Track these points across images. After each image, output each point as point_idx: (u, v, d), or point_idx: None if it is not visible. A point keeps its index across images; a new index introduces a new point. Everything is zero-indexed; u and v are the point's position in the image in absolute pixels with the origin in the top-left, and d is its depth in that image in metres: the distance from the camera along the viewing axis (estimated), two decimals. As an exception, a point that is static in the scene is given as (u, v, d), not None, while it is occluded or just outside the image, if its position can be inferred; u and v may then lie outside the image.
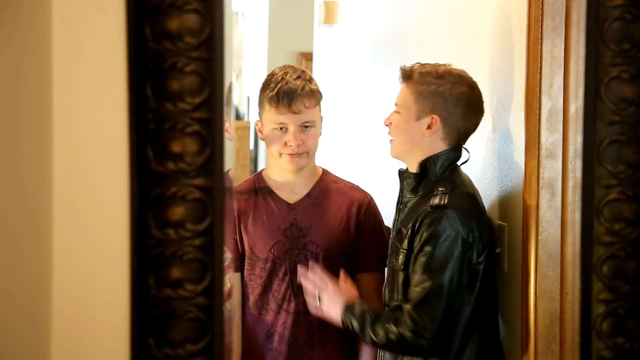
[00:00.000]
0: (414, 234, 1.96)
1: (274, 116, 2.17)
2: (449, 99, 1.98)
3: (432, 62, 2.07)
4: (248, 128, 6.77)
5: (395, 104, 2.07)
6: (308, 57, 6.05)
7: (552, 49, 1.86)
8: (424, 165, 2.01)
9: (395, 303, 1.99)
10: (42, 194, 1.15)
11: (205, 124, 1.16)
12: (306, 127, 2.18)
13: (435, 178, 2.00)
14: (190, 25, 1.15)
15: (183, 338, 1.17)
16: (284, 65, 2.24)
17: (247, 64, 7.63)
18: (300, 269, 2.17)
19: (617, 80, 1.30)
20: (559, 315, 1.88)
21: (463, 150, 2.05)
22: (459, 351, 1.96)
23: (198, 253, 1.17)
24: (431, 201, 1.96)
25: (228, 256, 1.24)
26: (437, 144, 2.02)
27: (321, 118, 2.24)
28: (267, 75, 2.22)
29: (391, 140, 2.08)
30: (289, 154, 2.17)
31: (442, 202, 1.94)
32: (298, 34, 6.34)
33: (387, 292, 2.07)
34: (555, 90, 1.86)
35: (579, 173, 1.80)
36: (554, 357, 1.88)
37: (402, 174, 2.08)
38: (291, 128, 2.16)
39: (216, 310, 1.18)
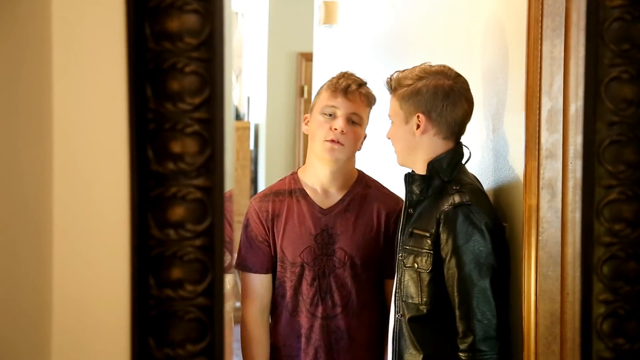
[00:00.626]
0: (438, 235, 1.98)
1: (327, 100, 2.23)
2: (427, 94, 2.03)
3: (432, 62, 2.09)
4: (248, 128, 6.77)
5: (389, 117, 2.13)
6: (308, 57, 6.05)
7: (552, 50, 1.86)
8: (432, 166, 2.04)
9: (422, 307, 2.00)
10: (42, 194, 1.15)
11: (205, 124, 1.16)
12: (353, 121, 2.22)
13: (446, 178, 2.04)
14: (190, 26, 1.15)
15: (183, 338, 1.17)
16: (345, 72, 2.33)
17: (247, 64, 7.63)
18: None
19: (617, 81, 1.30)
20: (560, 316, 1.87)
21: (464, 148, 2.08)
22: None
23: (198, 253, 1.17)
24: (450, 200, 1.98)
25: (227, 257, 1.23)
26: (433, 141, 2.05)
27: (365, 134, 2.29)
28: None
29: (395, 151, 2.13)
30: (331, 140, 2.20)
31: (465, 200, 1.97)
32: (298, 34, 6.35)
33: (407, 293, 2.05)
34: (555, 90, 1.86)
35: (579, 173, 1.79)
36: (555, 358, 1.88)
37: (409, 177, 2.10)
38: (339, 114, 2.21)
39: (216, 310, 1.18)
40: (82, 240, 1.16)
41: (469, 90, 2.07)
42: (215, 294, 1.18)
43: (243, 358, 2.30)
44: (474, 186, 2.04)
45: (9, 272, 1.20)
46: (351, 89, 2.23)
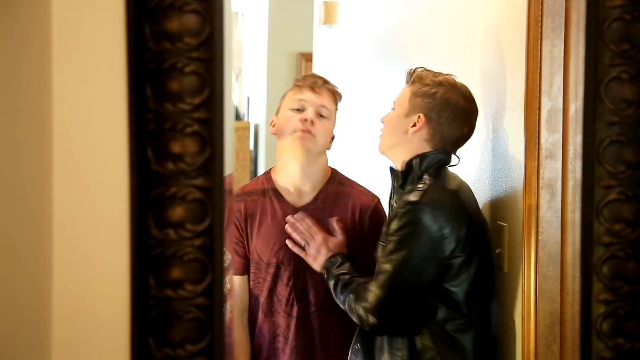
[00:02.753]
0: (388, 228, 2.01)
1: (294, 95, 2.25)
2: (438, 102, 2.05)
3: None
4: (248, 128, 6.77)
5: (393, 102, 2.14)
6: (308, 57, 6.05)
7: (552, 50, 1.86)
8: (410, 162, 2.06)
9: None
10: (42, 194, 1.15)
11: (205, 125, 1.16)
12: (322, 115, 2.23)
13: (417, 174, 2.05)
14: (190, 26, 1.15)
15: (183, 338, 1.17)
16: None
17: (247, 64, 7.63)
18: (289, 218, 2.21)
19: (616, 81, 1.30)
20: (559, 316, 1.88)
21: (453, 156, 2.09)
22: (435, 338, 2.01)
23: (198, 253, 1.17)
24: (405, 198, 2.01)
25: (228, 257, 1.23)
26: (420, 144, 2.06)
27: (333, 134, 2.29)
28: None
29: (380, 135, 2.14)
30: (301, 130, 2.20)
31: (415, 198, 1.99)
32: (298, 35, 6.35)
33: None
34: (555, 90, 1.87)
35: (578, 173, 1.80)
36: (554, 358, 1.88)
37: (392, 171, 2.12)
38: (308, 107, 2.22)
39: (216, 310, 1.18)
40: (82, 240, 1.16)
41: (475, 117, 2.09)
42: (215, 294, 1.18)
43: None
44: (442, 187, 2.03)
45: (9, 272, 1.20)
46: (318, 84, 2.25)
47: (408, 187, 2.05)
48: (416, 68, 2.11)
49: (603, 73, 1.30)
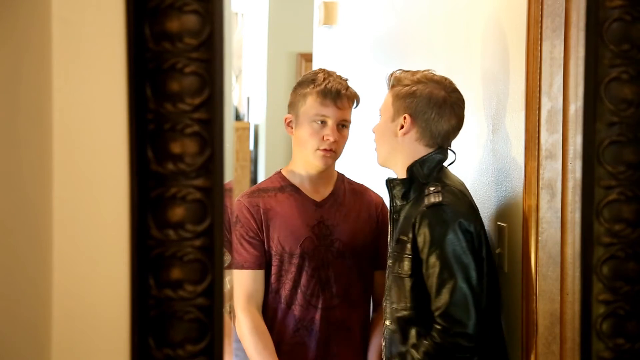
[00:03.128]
0: (415, 238, 1.97)
1: (317, 108, 2.23)
2: (420, 99, 2.03)
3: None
4: (248, 129, 6.77)
5: (379, 110, 2.14)
6: (307, 57, 6.05)
7: (552, 50, 1.86)
8: (412, 170, 2.04)
9: (405, 313, 1.99)
10: (42, 195, 1.15)
11: (205, 125, 1.16)
12: (343, 125, 2.25)
13: (423, 180, 2.03)
14: (190, 26, 1.15)
15: (183, 339, 1.17)
16: (322, 68, 2.32)
17: (247, 64, 7.64)
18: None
19: (616, 81, 1.30)
20: (559, 316, 1.88)
21: (449, 151, 2.08)
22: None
23: (198, 254, 1.17)
24: (425, 202, 1.97)
25: (228, 257, 1.23)
26: (414, 146, 2.05)
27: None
28: (308, 74, 2.31)
29: (375, 147, 2.14)
30: (324, 149, 2.23)
31: (437, 200, 1.96)
32: (298, 35, 6.35)
33: (392, 299, 2.05)
34: (555, 91, 1.87)
35: (578, 174, 1.80)
36: (554, 358, 1.88)
37: (390, 182, 2.10)
38: (330, 123, 2.23)
39: (216, 310, 1.18)
40: (82, 241, 1.16)
41: (462, 107, 2.07)
42: (215, 294, 1.18)
43: (252, 356, 2.28)
44: (452, 187, 2.02)
45: (9, 272, 1.20)
46: (341, 96, 2.24)
47: (413, 195, 2.03)
48: (394, 71, 2.11)
49: (603, 73, 1.30)
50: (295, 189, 2.30)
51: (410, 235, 1.98)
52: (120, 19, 1.15)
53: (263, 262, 2.27)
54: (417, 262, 1.97)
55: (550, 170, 1.88)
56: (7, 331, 1.20)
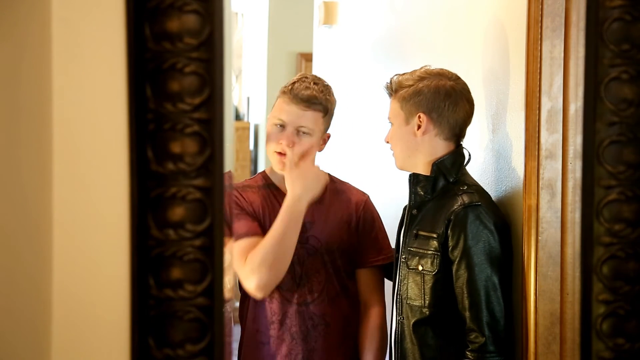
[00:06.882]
0: (446, 236, 1.97)
1: (278, 112, 2.24)
2: (429, 94, 2.03)
3: (432, 62, 2.10)
4: (248, 128, 6.77)
5: (388, 119, 2.13)
6: (308, 57, 6.05)
7: (552, 50, 1.86)
8: (437, 167, 2.04)
9: (424, 310, 2.00)
10: (42, 195, 1.15)
11: (205, 125, 1.16)
12: (304, 132, 2.21)
13: (451, 178, 2.04)
14: (190, 26, 1.15)
15: (183, 338, 1.17)
16: (308, 74, 2.31)
17: (247, 64, 7.63)
18: None
19: (616, 81, 1.30)
20: (559, 316, 1.88)
21: (465, 151, 2.09)
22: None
23: (198, 253, 1.17)
24: (460, 201, 1.98)
25: (228, 257, 1.23)
26: (434, 142, 2.05)
27: (326, 134, 2.27)
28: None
29: (393, 153, 2.13)
30: (278, 153, 2.22)
31: (474, 200, 1.97)
32: (298, 35, 6.34)
33: (406, 294, 2.06)
34: (555, 90, 1.87)
35: (578, 173, 1.80)
36: (554, 358, 1.88)
37: (414, 177, 2.09)
38: (287, 127, 2.21)
39: (216, 310, 1.18)
40: (82, 241, 1.16)
41: (469, 92, 2.08)
42: (215, 294, 1.18)
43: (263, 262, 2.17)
44: (480, 187, 2.05)
45: (9, 272, 1.20)
46: (302, 100, 2.20)
47: (437, 192, 2.04)
48: (391, 78, 2.10)
49: (603, 73, 1.30)
50: (275, 187, 2.30)
51: (441, 232, 1.98)
52: (120, 19, 1.15)
53: (260, 230, 2.24)
54: (445, 260, 1.98)
55: (550, 170, 1.88)
56: (7, 331, 1.20)
